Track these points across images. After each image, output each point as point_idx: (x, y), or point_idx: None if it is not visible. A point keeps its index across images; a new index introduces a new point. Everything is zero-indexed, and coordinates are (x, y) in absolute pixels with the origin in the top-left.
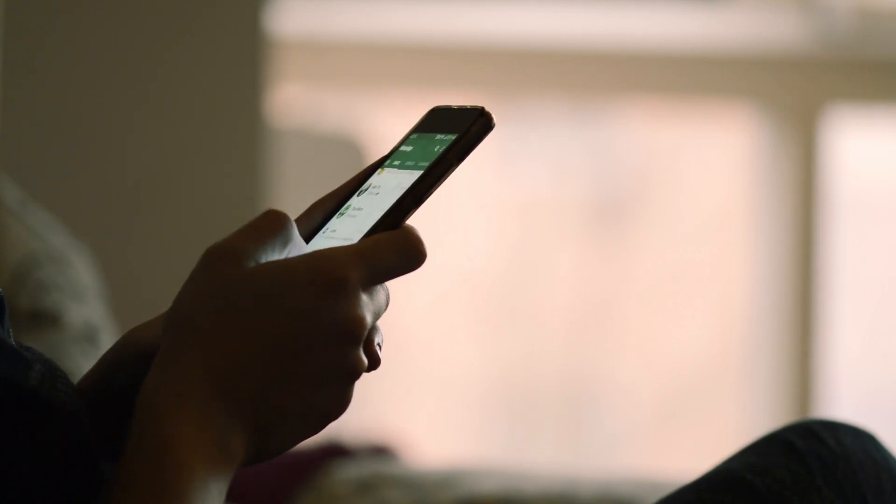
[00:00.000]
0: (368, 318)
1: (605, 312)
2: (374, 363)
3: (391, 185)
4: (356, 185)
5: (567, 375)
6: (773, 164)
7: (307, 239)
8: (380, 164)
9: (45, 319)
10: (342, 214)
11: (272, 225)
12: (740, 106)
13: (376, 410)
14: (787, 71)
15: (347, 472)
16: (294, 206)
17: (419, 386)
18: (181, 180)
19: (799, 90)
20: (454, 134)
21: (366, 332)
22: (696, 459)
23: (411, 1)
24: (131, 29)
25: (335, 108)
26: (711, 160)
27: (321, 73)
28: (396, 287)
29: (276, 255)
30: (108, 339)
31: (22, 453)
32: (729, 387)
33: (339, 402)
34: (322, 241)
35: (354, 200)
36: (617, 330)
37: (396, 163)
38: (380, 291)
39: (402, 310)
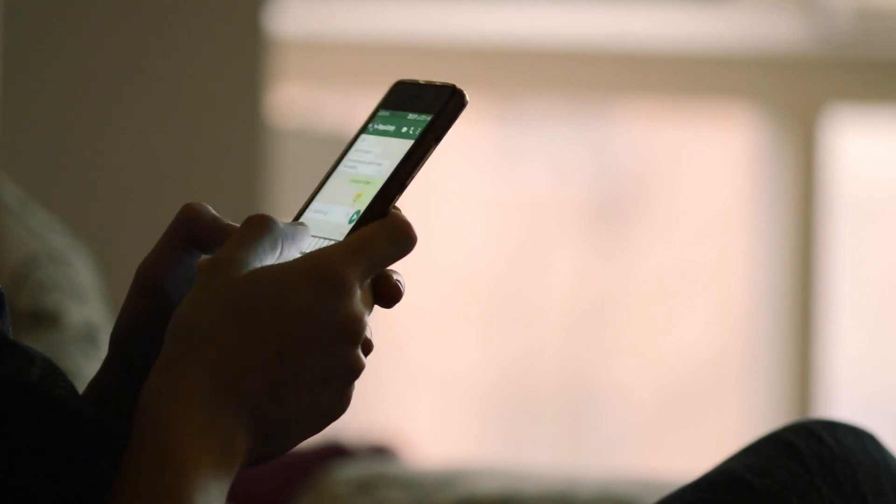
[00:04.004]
0: (366, 316)
1: (604, 312)
2: (368, 352)
3: (372, 168)
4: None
5: (567, 375)
6: (773, 164)
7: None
8: (356, 136)
9: (45, 319)
10: (324, 190)
11: (257, 229)
12: (740, 106)
13: (376, 410)
14: (787, 71)
15: (347, 472)
16: (294, 206)
17: (419, 386)
18: (181, 180)
19: (799, 90)
20: (428, 114)
21: (365, 330)
22: (696, 459)
23: (411, 1)
24: (131, 29)
25: (335, 108)
26: (711, 160)
27: (321, 73)
28: None
29: (268, 258)
30: (107, 339)
31: (22, 450)
32: (729, 387)
33: (340, 402)
34: (311, 216)
35: (335, 175)
36: (617, 330)
37: (372, 139)
38: (367, 284)
39: (402, 309)
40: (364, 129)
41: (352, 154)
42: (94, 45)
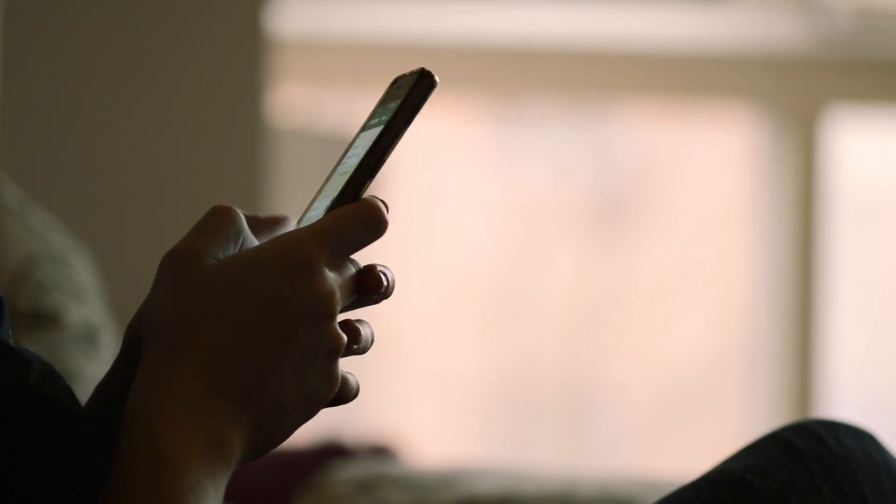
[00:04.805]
0: (338, 293)
1: (604, 312)
2: (355, 339)
3: (354, 159)
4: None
5: (567, 375)
6: (773, 164)
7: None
8: (356, 135)
9: (45, 319)
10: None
11: (221, 220)
12: (740, 106)
13: (376, 410)
14: (787, 71)
15: (347, 472)
16: (294, 206)
17: (419, 386)
18: (181, 180)
19: (799, 90)
20: (400, 100)
21: (338, 307)
22: (696, 459)
23: (411, 1)
24: (131, 29)
25: (335, 108)
26: (712, 160)
27: (321, 73)
28: (397, 287)
29: (231, 249)
30: (108, 339)
31: (22, 451)
32: (729, 387)
33: (328, 382)
34: (310, 214)
35: (334, 173)
36: (617, 330)
37: (363, 135)
38: (348, 266)
39: (402, 310)
40: (363, 128)
41: (349, 151)
42: (94, 45)
